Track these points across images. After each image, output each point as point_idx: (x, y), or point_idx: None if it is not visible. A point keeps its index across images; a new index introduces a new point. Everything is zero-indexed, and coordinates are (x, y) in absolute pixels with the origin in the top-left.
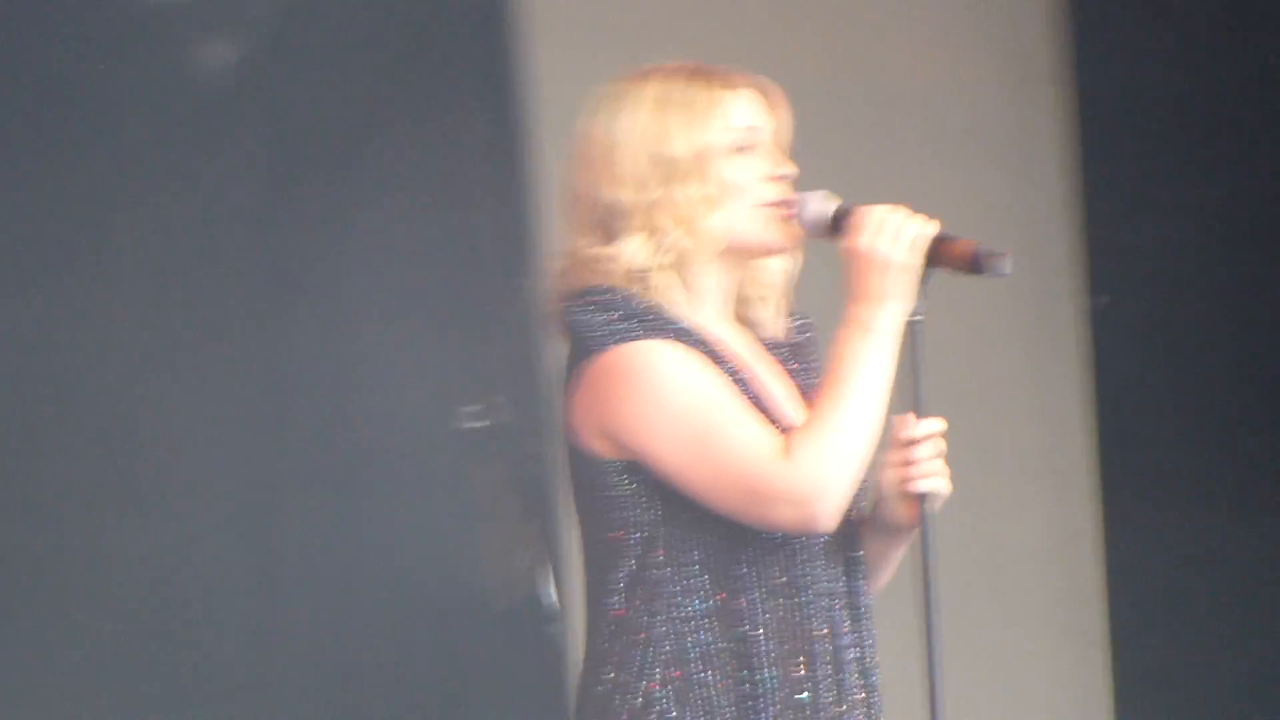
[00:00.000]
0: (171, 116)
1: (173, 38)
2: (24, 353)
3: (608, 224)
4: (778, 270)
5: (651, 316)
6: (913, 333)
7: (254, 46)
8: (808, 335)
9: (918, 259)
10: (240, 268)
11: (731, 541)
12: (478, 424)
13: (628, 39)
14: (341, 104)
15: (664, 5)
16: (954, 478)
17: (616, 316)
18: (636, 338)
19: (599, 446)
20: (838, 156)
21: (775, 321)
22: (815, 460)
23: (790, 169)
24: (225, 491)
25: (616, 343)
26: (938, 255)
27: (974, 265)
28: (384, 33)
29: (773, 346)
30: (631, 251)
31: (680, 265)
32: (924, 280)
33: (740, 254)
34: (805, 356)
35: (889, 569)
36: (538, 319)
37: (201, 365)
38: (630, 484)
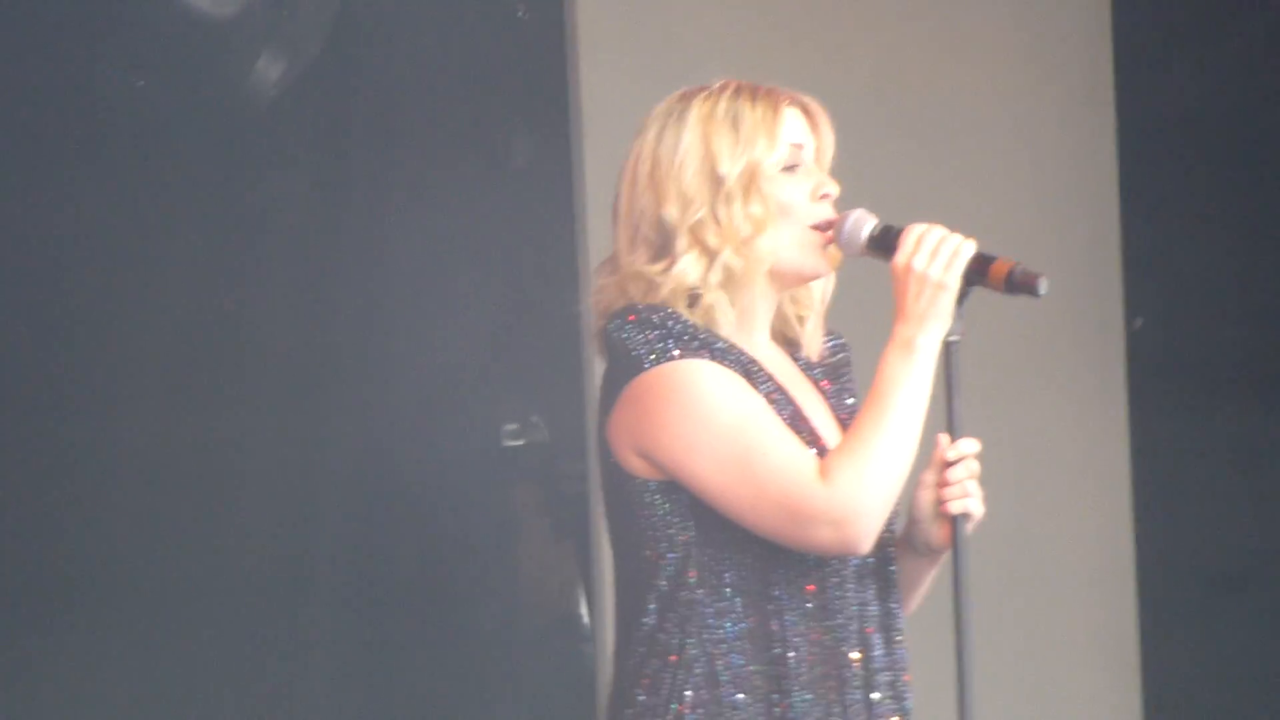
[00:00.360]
0: (225, 132)
1: (228, 57)
2: (76, 349)
3: (657, 241)
4: (816, 289)
5: (691, 336)
6: (949, 353)
7: (312, 64)
8: (841, 355)
9: (955, 278)
10: (287, 283)
11: (765, 564)
12: (518, 442)
13: (675, 58)
14: (390, 122)
15: (710, 24)
16: (989, 498)
17: (656, 336)
18: (676, 358)
19: (636, 466)
20: (878, 175)
21: (813, 340)
22: (854, 482)
23: (834, 188)
24: (262, 503)
25: (656, 362)
26: (975, 274)
27: (1011, 285)
28: (436, 52)
29: (808, 367)
30: (683, 270)
31: (729, 285)
32: (961, 299)
33: (784, 279)
34: (839, 377)
35: (922, 589)
36: (580, 337)
37: (246, 378)
38: (665, 504)
